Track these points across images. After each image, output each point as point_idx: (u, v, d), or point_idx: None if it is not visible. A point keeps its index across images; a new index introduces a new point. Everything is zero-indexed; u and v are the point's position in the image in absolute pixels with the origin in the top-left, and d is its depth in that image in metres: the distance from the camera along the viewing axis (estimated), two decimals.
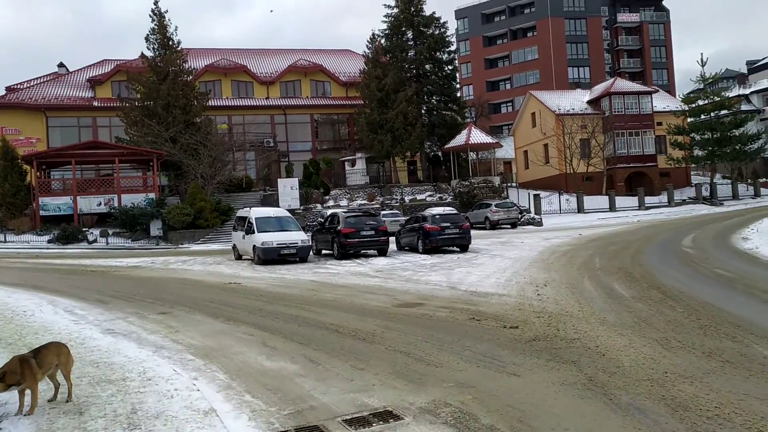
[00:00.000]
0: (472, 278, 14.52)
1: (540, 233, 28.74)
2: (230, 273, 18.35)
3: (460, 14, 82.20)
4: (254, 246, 20.46)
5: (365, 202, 39.96)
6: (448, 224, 21.28)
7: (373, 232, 21.07)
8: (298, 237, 20.71)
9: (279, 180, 38.09)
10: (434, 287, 13.47)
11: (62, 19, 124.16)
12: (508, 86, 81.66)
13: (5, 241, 31.73)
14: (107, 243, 31.77)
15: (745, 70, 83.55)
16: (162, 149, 35.96)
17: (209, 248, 30.18)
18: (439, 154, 48.55)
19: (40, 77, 46.37)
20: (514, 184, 49.46)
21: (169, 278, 17.42)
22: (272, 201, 37.41)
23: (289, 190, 36.11)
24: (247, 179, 42.31)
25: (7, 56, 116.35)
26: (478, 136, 41.46)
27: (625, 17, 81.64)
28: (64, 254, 27.90)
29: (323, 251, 22.97)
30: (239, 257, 22.55)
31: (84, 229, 33.04)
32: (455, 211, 23.45)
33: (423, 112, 45.84)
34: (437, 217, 21.56)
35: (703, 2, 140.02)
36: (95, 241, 32.15)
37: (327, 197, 40.34)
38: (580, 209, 39.83)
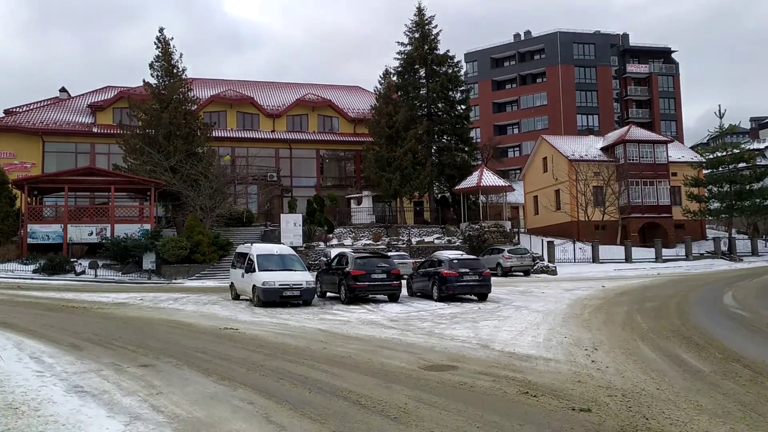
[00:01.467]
0: (503, 335, 12.67)
1: (558, 283, 26.92)
2: (226, 316, 16.47)
3: (469, 57, 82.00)
4: (254, 286, 18.62)
5: (370, 242, 38.21)
6: (467, 270, 19.50)
7: (384, 276, 19.26)
8: (302, 278, 18.89)
9: (282, 215, 36.42)
10: (463, 344, 11.62)
11: (72, 52, 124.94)
12: (516, 131, 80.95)
13: None
14: (96, 275, 29.86)
15: (748, 127, 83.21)
16: (161, 179, 34.39)
17: (204, 285, 28.28)
18: (448, 195, 47.06)
19: (40, 101, 45.20)
20: (523, 230, 47.81)
21: (157, 320, 15.53)
22: (274, 237, 35.67)
23: (292, 226, 34.40)
24: (248, 214, 40.63)
25: (18, 85, 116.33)
26: (490, 179, 40.01)
27: (634, 68, 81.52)
28: (48, 286, 25.96)
29: (328, 294, 21.12)
30: (237, 297, 20.67)
31: (72, 260, 31.16)
32: (474, 256, 21.70)
33: (433, 151, 44.48)
34: (455, 261, 19.80)
35: (708, 59, 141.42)
36: (83, 272, 30.23)
37: (331, 235, 38.60)
38: (595, 259, 38.08)
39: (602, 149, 47.87)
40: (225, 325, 14.49)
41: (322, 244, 36.59)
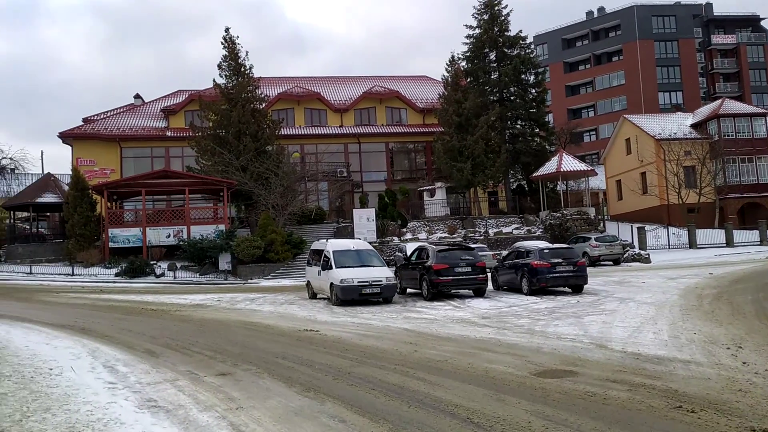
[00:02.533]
0: (618, 332, 11.10)
1: (656, 271, 24.67)
2: (305, 316, 15.59)
3: (538, 40, 78.74)
4: (332, 284, 17.69)
5: (445, 235, 36.83)
6: (560, 260, 17.85)
7: (469, 269, 17.91)
8: (382, 274, 17.80)
9: (354, 211, 35.60)
10: (573, 344, 10.16)
11: (147, 65, 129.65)
12: (591, 114, 77.23)
13: (72, 275, 30.45)
14: (174, 277, 29.97)
15: None
16: (233, 178, 34.26)
17: (280, 284, 27.78)
18: (524, 184, 45.02)
19: (116, 108, 46.28)
20: (606, 217, 45.08)
21: (235, 322, 14.81)
22: (346, 233, 34.89)
23: (365, 221, 33.51)
24: (320, 210, 40.09)
25: (98, 99, 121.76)
26: (570, 163, 37.77)
27: (720, 39, 76.10)
28: (129, 289, 26.09)
29: (408, 290, 19.95)
30: (314, 296, 19.84)
31: (152, 262, 31.44)
32: (566, 245, 20.01)
33: (506, 138, 42.53)
34: (546, 251, 18.19)
35: None
36: (162, 274, 30.42)
37: (404, 230, 37.46)
38: (692, 244, 35.19)
39: (692, 126, 44.47)
40: (304, 326, 13.57)
41: (395, 239, 35.54)
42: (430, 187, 40.31)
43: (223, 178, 34.13)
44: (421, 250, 19.68)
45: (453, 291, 18.35)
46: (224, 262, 30.89)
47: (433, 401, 6.92)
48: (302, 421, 6.41)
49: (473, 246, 23.18)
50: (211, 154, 36.50)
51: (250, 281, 29.61)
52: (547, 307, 15.10)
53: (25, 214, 38.47)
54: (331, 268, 18.02)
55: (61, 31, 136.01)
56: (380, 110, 47.56)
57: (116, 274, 30.31)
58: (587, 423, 5.85)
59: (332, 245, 19.07)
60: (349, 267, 17.92)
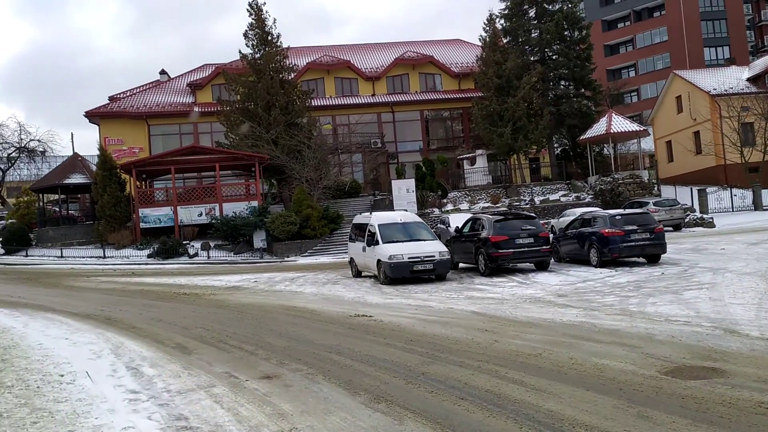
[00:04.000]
0: (738, 311, 9.18)
1: (728, 236, 22.39)
2: (353, 298, 13.96)
3: None
4: (379, 261, 16.02)
5: (488, 204, 34.84)
6: (635, 227, 15.83)
7: (531, 240, 16.04)
8: (434, 248, 16.05)
9: (393, 182, 33.79)
10: (691, 329, 8.29)
11: (173, 45, 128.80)
12: (632, 73, 73.46)
13: (104, 257, 29.44)
14: (208, 257, 28.71)
15: None
16: (263, 153, 32.71)
17: (318, 261, 26.32)
18: (568, 148, 42.56)
19: (142, 86, 44.95)
20: (656, 180, 42.38)
21: (276, 306, 13.26)
22: (384, 206, 33.11)
23: (404, 192, 31.70)
24: (354, 183, 38.40)
25: (126, 80, 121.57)
26: (620, 124, 35.23)
27: None
28: (161, 271, 24.89)
29: (460, 264, 18.19)
30: (358, 274, 18.22)
31: (185, 242, 30.22)
32: (641, 210, 17.98)
33: (549, 100, 40.00)
34: (618, 218, 16.18)
35: None
36: (196, 254, 29.19)
37: (445, 200, 35.58)
38: (757, 206, 32.58)
39: (749, 80, 41.26)
40: (355, 310, 11.93)
41: (436, 210, 33.71)
42: (470, 155, 38.19)
43: (254, 153, 32.60)
44: (474, 221, 17.87)
45: (513, 265, 16.53)
46: (259, 239, 29.52)
47: (550, 419, 5.18)
48: None
49: (533, 215, 21.10)
50: (240, 128, 34.98)
51: (286, 259, 28.20)
52: (629, 281, 13.19)
53: (55, 196, 37.63)
54: (377, 243, 16.33)
55: (90, 18, 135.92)
56: (413, 77, 45.32)
57: (148, 256, 29.20)
58: None
59: (377, 218, 17.36)
60: (397, 242, 16.22)
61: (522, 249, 15.89)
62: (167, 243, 29.38)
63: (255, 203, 31.80)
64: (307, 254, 28.98)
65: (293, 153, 33.42)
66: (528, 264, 16.80)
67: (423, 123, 44.65)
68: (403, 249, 15.73)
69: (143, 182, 34.31)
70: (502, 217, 16.92)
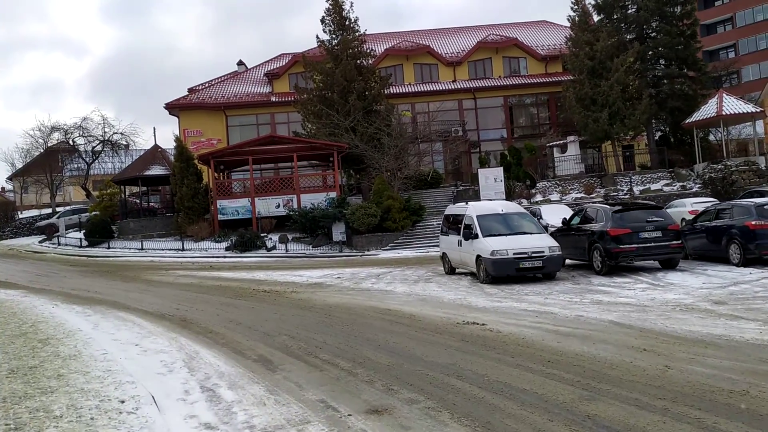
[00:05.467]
0: None
1: None
2: (453, 300, 12.14)
3: None
4: (478, 256, 14.13)
5: (582, 195, 32.14)
6: None
7: (659, 234, 13.72)
8: (542, 242, 14.01)
9: (479, 171, 31.66)
10: None
11: (252, 43, 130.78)
12: (731, 54, 67.66)
13: (183, 249, 28.93)
14: (286, 250, 27.63)
15: None
16: (341, 141, 31.37)
17: (401, 256, 24.66)
18: (667, 134, 39.02)
19: (220, 77, 44.70)
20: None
21: (367, 309, 11.63)
22: (467, 197, 31.02)
23: (492, 182, 29.55)
24: (435, 174, 36.53)
25: (204, 79, 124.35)
26: (732, 105, 31.63)
27: None
28: (239, 265, 23.94)
29: (567, 261, 15.99)
30: (451, 270, 16.39)
31: (262, 235, 29.33)
32: None
33: (648, 82, 36.63)
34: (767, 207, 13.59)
35: None
36: (273, 247, 28.20)
37: (533, 191, 33.13)
38: None
39: None
40: (461, 315, 10.13)
41: (525, 201, 31.26)
42: (561, 142, 35.44)
43: (332, 142, 31.32)
44: (584, 212, 15.69)
45: (635, 263, 14.26)
46: (338, 232, 28.18)
47: None
48: None
49: (658, 205, 18.56)
50: (317, 116, 33.84)
51: (366, 253, 26.71)
52: None
53: (136, 188, 37.79)
54: (475, 237, 14.43)
55: (174, 19, 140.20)
56: (497, 61, 42.85)
57: (226, 248, 28.45)
58: None
59: (475, 209, 15.45)
60: (499, 235, 14.27)
61: (647, 244, 13.59)
62: (245, 235, 28.54)
63: (333, 194, 30.52)
64: (388, 248, 27.39)
65: (372, 141, 31.93)
66: (650, 262, 14.47)
67: (506, 109, 42.18)
68: (506, 243, 13.77)
69: (221, 173, 33.75)
70: (622, 207, 14.65)
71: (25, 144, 47.71)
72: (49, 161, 45.58)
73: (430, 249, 25.75)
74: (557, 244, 14.02)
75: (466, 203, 16.82)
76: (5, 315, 12.21)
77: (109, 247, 31.41)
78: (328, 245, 28.25)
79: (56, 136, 45.54)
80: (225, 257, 27.08)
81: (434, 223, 29.95)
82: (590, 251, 14.45)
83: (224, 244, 28.88)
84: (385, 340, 8.67)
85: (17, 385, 6.65)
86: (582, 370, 6.49)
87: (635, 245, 13.57)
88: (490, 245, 13.81)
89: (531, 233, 14.49)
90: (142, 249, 29.82)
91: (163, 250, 29.34)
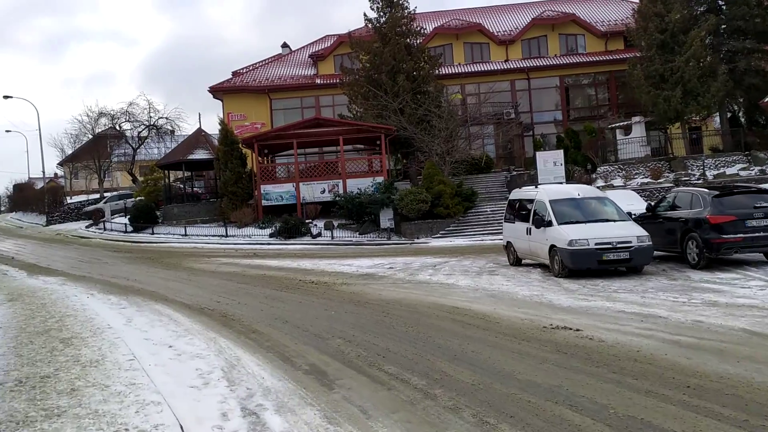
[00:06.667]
0: None
1: None
2: (529, 296, 10.52)
3: None
4: (552, 246, 12.45)
5: (648, 180, 29.86)
6: None
7: None
8: (629, 231, 12.22)
9: (537, 154, 29.67)
10: None
11: (297, 33, 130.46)
12: None
13: (226, 236, 27.99)
14: (332, 237, 26.36)
15: None
16: (388, 124, 29.83)
17: (453, 244, 23.09)
18: (739, 115, 36.12)
19: (264, 60, 43.65)
20: None
21: (430, 306, 10.13)
22: (521, 183, 29.16)
23: (551, 166, 27.55)
24: (487, 158, 34.68)
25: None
26: None
27: None
28: (283, 252, 22.77)
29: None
30: (517, 261, 14.72)
31: (307, 221, 28.14)
32: None
33: (722, 57, 33.78)
34: None
35: None
36: (319, 234, 26.96)
37: (594, 175, 30.96)
38: None
39: None
40: (545, 317, 8.52)
41: None
42: (625, 123, 33.03)
43: (379, 124, 29.82)
44: (674, 197, 13.78)
45: (736, 255, 12.35)
46: (386, 218, 26.73)
47: None
48: None
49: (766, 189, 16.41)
50: (363, 98, 32.36)
51: (416, 241, 25.21)
52: None
53: (181, 174, 37.15)
54: (549, 224, 12.73)
55: (222, 10, 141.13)
56: (552, 38, 40.47)
57: (270, 235, 27.38)
58: None
59: (547, 192, 13.72)
60: (576, 222, 12.55)
61: (756, 234, 11.65)
62: (289, 222, 27.39)
63: (380, 179, 29.06)
64: (438, 236, 25.82)
65: (421, 124, 30.29)
66: (754, 254, 12.52)
67: (562, 90, 39.83)
68: (587, 232, 12.03)
69: (265, 158, 32.69)
70: (722, 192, 12.70)
71: (74, 130, 47.70)
72: (97, 147, 45.47)
73: (484, 237, 24.11)
74: (646, 234, 12.20)
75: (535, 186, 15.09)
76: (33, 307, 11.21)
77: (153, 233, 30.81)
78: (375, 232, 26.86)
79: (103, 122, 45.38)
80: (269, 244, 26.00)
81: (487, 209, 28.23)
82: (683, 241, 12.58)
83: (268, 231, 27.83)
84: (461, 348, 7.15)
85: (19, 404, 5.42)
86: (742, 403, 4.85)
87: (741, 235, 11.65)
88: (567, 234, 12.10)
89: (614, 221, 12.71)
90: (185, 235, 29.04)
91: (206, 236, 28.49)
